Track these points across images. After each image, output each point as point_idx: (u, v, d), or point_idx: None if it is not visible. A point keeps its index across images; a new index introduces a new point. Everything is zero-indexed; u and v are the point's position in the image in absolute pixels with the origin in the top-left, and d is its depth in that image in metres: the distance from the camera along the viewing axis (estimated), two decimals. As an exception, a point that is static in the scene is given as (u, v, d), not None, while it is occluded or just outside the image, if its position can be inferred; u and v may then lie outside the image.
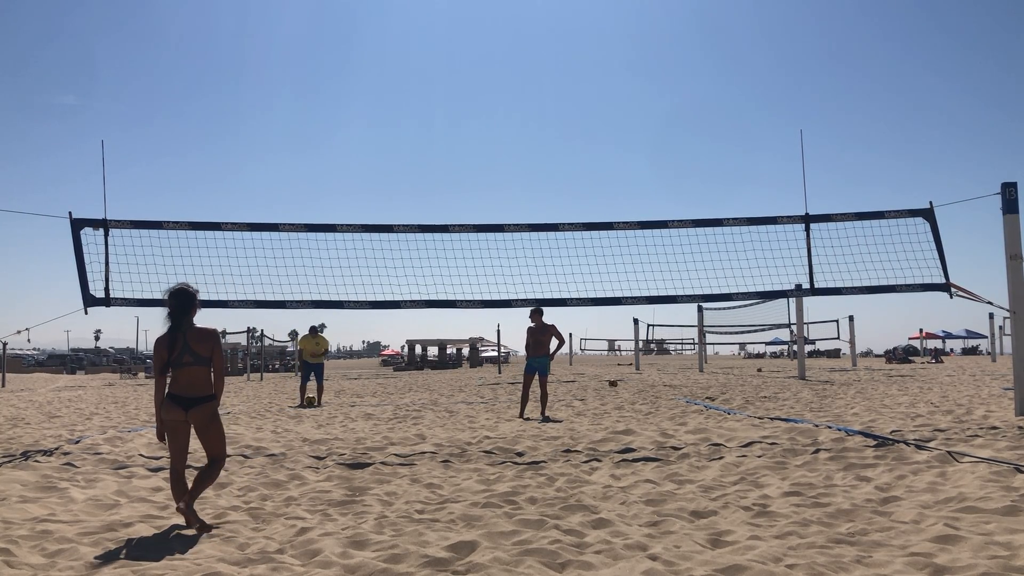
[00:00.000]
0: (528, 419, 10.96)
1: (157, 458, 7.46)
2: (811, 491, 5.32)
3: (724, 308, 30.89)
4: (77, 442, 8.39)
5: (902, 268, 9.28)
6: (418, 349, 55.30)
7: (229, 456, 7.46)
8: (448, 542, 4.12)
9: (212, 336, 4.78)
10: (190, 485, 4.75)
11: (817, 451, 6.98)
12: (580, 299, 9.43)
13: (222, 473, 6.55)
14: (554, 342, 11.53)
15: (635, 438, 8.30)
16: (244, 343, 39.07)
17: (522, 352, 11.75)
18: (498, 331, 36.57)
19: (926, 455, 6.35)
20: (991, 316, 39.42)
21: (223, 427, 4.91)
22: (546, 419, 10.95)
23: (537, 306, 10.48)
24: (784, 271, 9.46)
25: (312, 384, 15.11)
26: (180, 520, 4.85)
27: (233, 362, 44.95)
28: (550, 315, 11.46)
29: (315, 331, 15.61)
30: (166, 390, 4.74)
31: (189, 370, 4.69)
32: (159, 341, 4.75)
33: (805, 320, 25.42)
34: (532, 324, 11.48)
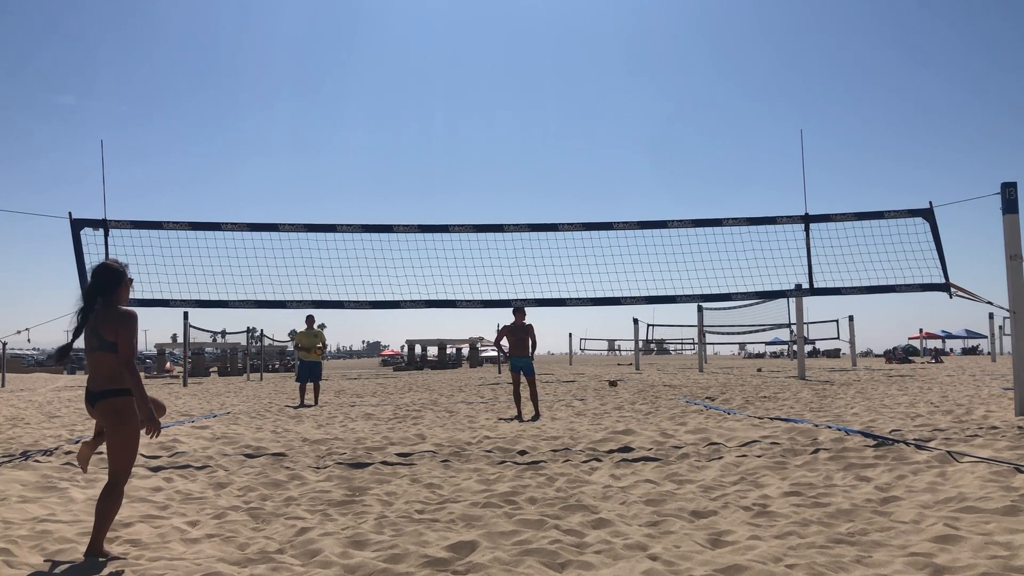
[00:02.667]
0: (523, 420, 10.95)
1: (156, 457, 7.46)
2: (811, 491, 5.32)
3: (724, 308, 30.95)
4: (77, 442, 8.39)
5: (902, 268, 9.30)
6: (418, 349, 55.30)
7: (228, 456, 7.47)
8: (448, 542, 4.12)
9: (121, 317, 3.92)
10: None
11: (817, 451, 6.98)
12: (580, 299, 9.43)
13: (222, 473, 6.56)
14: (530, 343, 11.46)
15: (635, 438, 8.30)
16: (244, 343, 39.07)
17: None
18: (498, 330, 36.52)
19: (926, 455, 6.35)
20: (991, 316, 39.46)
21: (135, 438, 3.97)
22: (538, 417, 10.95)
23: (520, 304, 10.40)
24: (784, 271, 9.49)
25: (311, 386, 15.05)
26: (180, 521, 4.86)
27: (233, 362, 44.98)
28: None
29: (312, 321, 14.76)
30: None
31: (93, 356, 3.94)
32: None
33: (805, 320, 25.43)
34: (512, 322, 11.41)
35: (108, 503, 3.91)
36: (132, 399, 3.91)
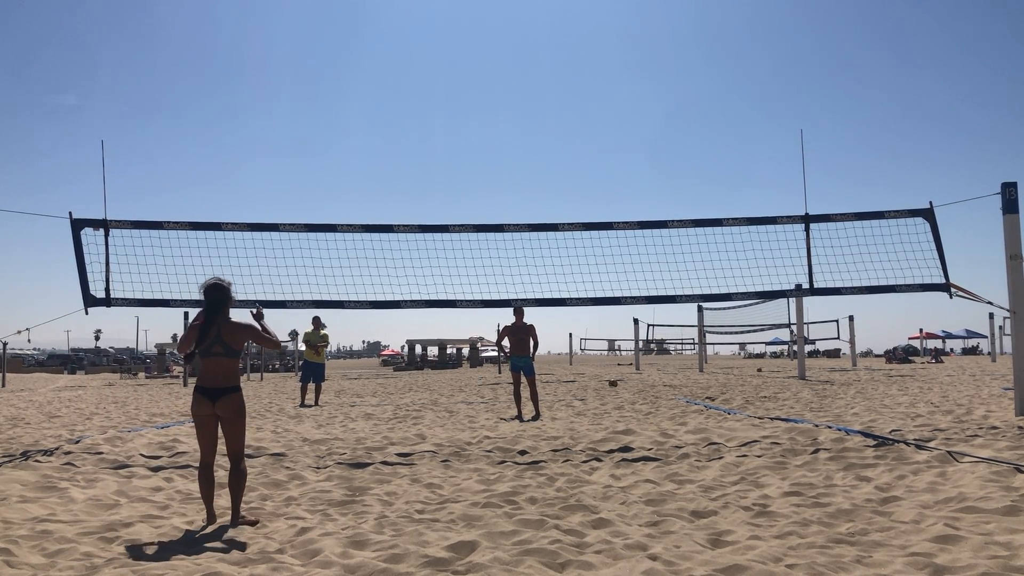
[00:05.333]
0: (524, 420, 10.95)
1: (157, 457, 7.47)
2: (811, 491, 5.32)
3: (724, 308, 30.94)
4: (77, 442, 8.39)
5: (902, 268, 9.29)
6: (418, 349, 55.28)
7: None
8: (448, 542, 4.12)
9: (247, 330, 4.82)
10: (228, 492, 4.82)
11: (817, 451, 6.98)
12: (580, 299, 9.42)
13: (222, 473, 6.55)
14: (532, 343, 11.46)
15: (635, 438, 8.29)
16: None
17: None
18: (498, 331, 36.47)
19: (926, 455, 6.35)
20: (991, 316, 39.50)
21: (245, 425, 4.88)
22: (538, 417, 10.95)
23: (520, 304, 10.39)
24: (784, 271, 9.47)
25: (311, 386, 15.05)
26: (180, 520, 4.86)
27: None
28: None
29: (318, 322, 15.09)
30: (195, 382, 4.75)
31: (217, 361, 4.70)
32: (193, 324, 4.79)
33: (805, 320, 25.42)
34: (513, 322, 11.43)
35: (238, 479, 4.76)
36: (242, 394, 4.76)
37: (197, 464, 6.99)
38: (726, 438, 8.08)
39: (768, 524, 4.45)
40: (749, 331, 32.71)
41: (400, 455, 7.54)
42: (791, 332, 34.01)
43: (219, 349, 4.70)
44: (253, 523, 4.73)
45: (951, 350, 65.32)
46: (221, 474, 5.04)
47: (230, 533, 4.51)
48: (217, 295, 4.79)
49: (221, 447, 4.84)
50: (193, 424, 4.70)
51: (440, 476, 6.36)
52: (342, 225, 9.05)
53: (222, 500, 5.29)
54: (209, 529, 4.62)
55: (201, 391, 4.69)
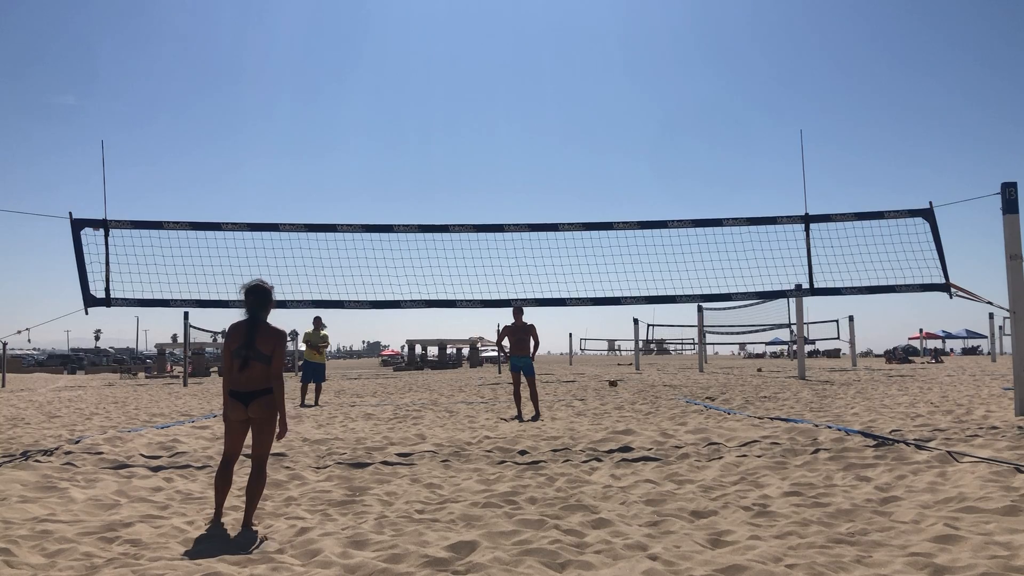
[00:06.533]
0: (523, 420, 10.95)
1: (157, 457, 7.47)
2: (811, 491, 5.32)
3: (724, 308, 30.92)
4: (77, 442, 8.38)
5: (902, 268, 9.29)
6: (418, 349, 55.26)
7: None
8: (448, 542, 4.12)
9: (277, 336, 4.76)
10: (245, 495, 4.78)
11: (817, 451, 6.98)
12: (580, 299, 9.42)
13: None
14: (532, 343, 11.45)
15: (635, 438, 8.29)
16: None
17: None
18: (498, 331, 36.43)
19: (926, 455, 6.35)
20: (991, 316, 39.47)
21: (274, 431, 4.80)
22: (538, 417, 10.95)
23: (519, 304, 10.36)
24: (784, 271, 9.47)
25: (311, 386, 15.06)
26: (180, 520, 4.86)
27: (233, 362, 44.76)
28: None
29: (319, 322, 15.16)
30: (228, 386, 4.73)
31: (249, 364, 4.70)
32: (234, 327, 4.79)
33: (805, 320, 25.41)
34: (513, 322, 11.42)
35: (258, 485, 4.70)
36: (279, 401, 4.72)
37: (197, 464, 7.02)
38: (726, 438, 8.08)
39: (768, 524, 4.45)
40: (749, 331, 32.70)
41: (400, 455, 7.54)
42: (791, 332, 34.02)
43: (250, 352, 4.70)
44: (261, 538, 4.63)
45: (951, 350, 65.32)
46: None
47: (230, 533, 4.51)
48: (263, 296, 4.81)
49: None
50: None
51: (440, 476, 6.36)
52: (342, 225, 9.05)
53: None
54: (209, 529, 4.62)
55: (234, 395, 4.67)
